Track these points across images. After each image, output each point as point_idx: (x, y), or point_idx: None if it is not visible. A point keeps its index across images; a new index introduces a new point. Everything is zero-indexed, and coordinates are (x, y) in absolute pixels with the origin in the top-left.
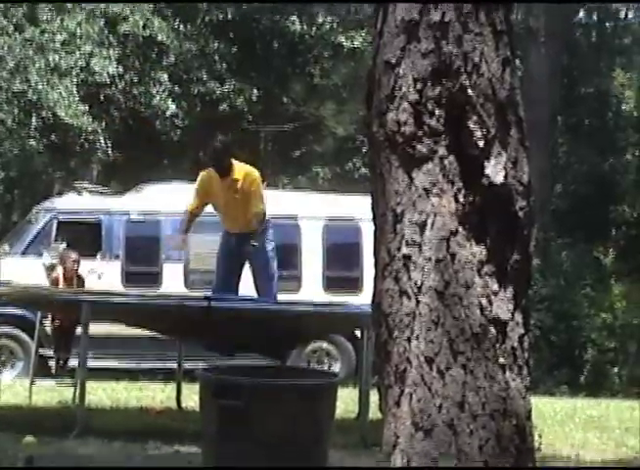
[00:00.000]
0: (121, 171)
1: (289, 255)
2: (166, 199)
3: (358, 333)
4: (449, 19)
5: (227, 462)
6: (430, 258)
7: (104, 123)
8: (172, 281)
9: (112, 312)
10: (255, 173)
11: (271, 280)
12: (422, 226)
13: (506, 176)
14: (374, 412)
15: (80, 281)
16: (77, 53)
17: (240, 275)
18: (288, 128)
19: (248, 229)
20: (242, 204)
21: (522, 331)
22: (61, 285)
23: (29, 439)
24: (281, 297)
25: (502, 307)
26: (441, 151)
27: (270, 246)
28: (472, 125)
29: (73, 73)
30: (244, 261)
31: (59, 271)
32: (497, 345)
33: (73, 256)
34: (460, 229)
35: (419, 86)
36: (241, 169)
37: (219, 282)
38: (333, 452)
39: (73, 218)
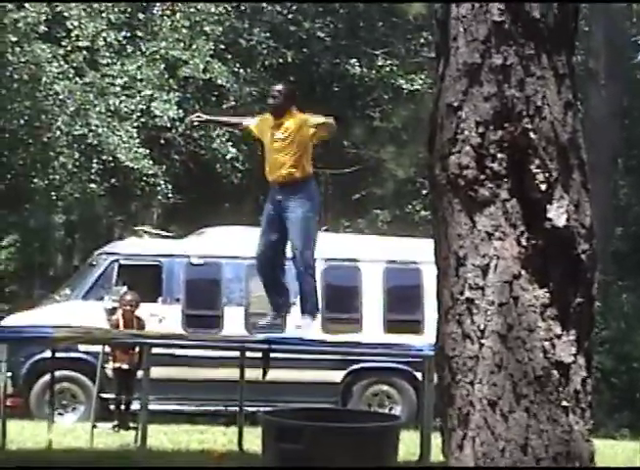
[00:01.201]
0: (182, 215)
1: (350, 297)
2: (227, 242)
3: (419, 375)
4: (511, 62)
5: None
6: (493, 302)
7: (164, 167)
8: (233, 324)
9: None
10: (307, 115)
11: (306, 240)
12: (484, 270)
13: (568, 219)
14: (436, 456)
15: (140, 323)
16: (138, 97)
17: (285, 239)
18: (348, 171)
19: (290, 179)
20: (288, 150)
21: (584, 374)
22: (121, 328)
23: None
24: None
25: (565, 351)
26: (504, 194)
27: (310, 202)
28: (534, 169)
29: (134, 117)
30: (285, 221)
31: (118, 314)
32: (560, 388)
33: (132, 297)
34: (523, 272)
35: (481, 130)
36: (297, 118)
37: (260, 251)
38: None
39: (134, 262)
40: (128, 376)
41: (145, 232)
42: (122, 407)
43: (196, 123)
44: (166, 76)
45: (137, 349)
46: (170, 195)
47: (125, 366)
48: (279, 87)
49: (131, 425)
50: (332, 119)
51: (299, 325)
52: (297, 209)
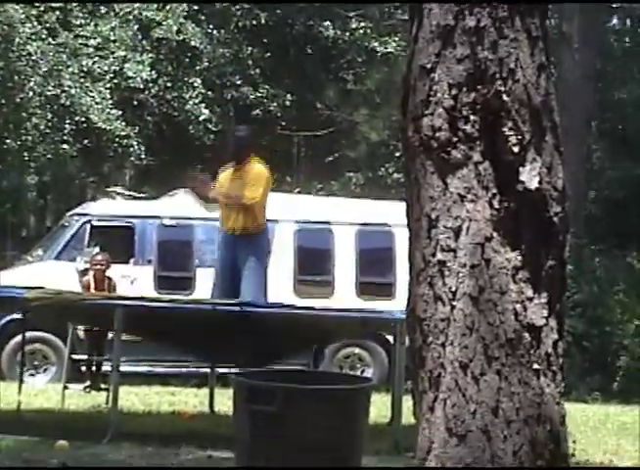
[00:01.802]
0: (154, 176)
1: (322, 260)
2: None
3: (391, 338)
4: (485, 24)
5: (260, 467)
6: (464, 264)
7: (137, 128)
8: (205, 286)
9: (144, 319)
10: (264, 171)
11: (257, 286)
12: (457, 232)
13: (541, 182)
14: (407, 418)
15: (111, 284)
16: (111, 58)
17: (239, 281)
18: (321, 134)
19: (243, 229)
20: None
21: (556, 337)
22: (92, 289)
23: (62, 443)
24: (314, 302)
25: (537, 313)
26: (476, 157)
27: (262, 255)
28: (507, 131)
29: (107, 78)
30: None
31: (89, 275)
32: (531, 350)
33: (102, 258)
34: (495, 235)
35: (454, 92)
36: (254, 166)
37: (218, 293)
38: (366, 458)
39: (107, 223)
40: (99, 337)
41: (117, 193)
42: (94, 369)
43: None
44: (140, 37)
45: None
46: (143, 156)
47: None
48: (241, 133)
49: (103, 386)
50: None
51: None
52: (252, 262)
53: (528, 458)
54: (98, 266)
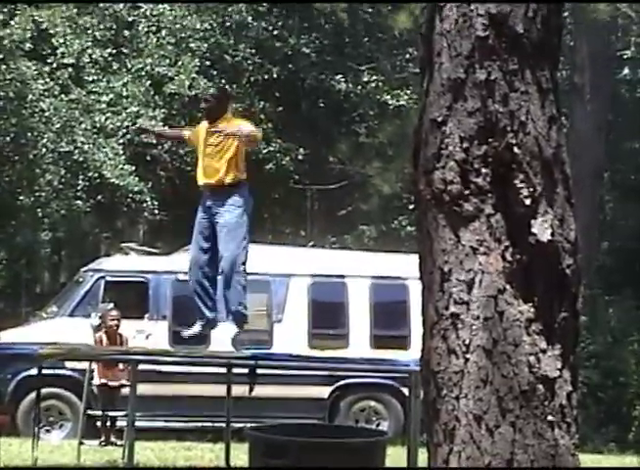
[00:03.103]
0: (168, 231)
1: (336, 313)
2: None
3: (406, 391)
4: (495, 77)
5: None
6: (478, 317)
7: (150, 183)
8: (220, 340)
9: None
10: (246, 123)
11: (236, 244)
12: (469, 285)
13: (553, 234)
14: None
15: (122, 340)
16: (124, 113)
17: (216, 246)
18: (334, 187)
19: (220, 185)
20: (219, 155)
21: (570, 388)
22: (104, 345)
23: None
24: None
25: (550, 365)
26: (488, 209)
27: (240, 209)
28: (518, 183)
29: (120, 134)
30: (216, 227)
31: (101, 332)
32: (546, 402)
33: (114, 313)
34: (507, 287)
35: (465, 145)
36: (232, 120)
37: (193, 258)
38: None
39: (121, 279)
40: (113, 392)
41: (131, 249)
42: (108, 424)
43: (144, 135)
44: (152, 93)
45: (121, 365)
46: (156, 211)
47: (111, 383)
48: (212, 91)
49: (118, 442)
50: (257, 131)
51: (222, 331)
52: (227, 214)
53: None
54: (110, 323)
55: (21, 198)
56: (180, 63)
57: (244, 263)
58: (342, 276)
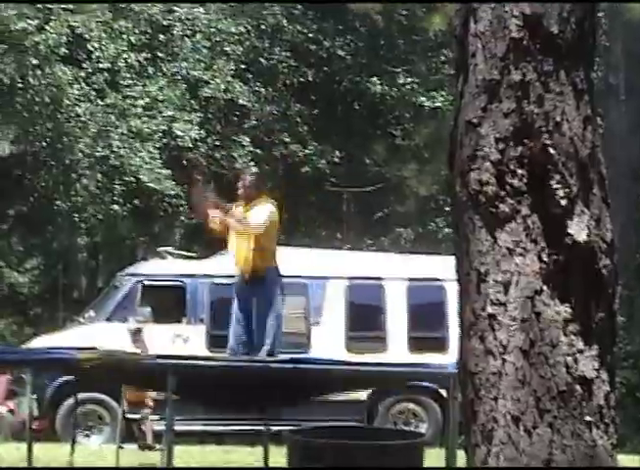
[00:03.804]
0: (205, 235)
1: (373, 316)
2: None
3: (445, 393)
4: (530, 78)
5: None
6: (515, 318)
7: (186, 187)
8: None
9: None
10: (269, 204)
11: (267, 329)
12: (506, 286)
13: (589, 234)
14: None
15: None
16: (159, 117)
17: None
18: (370, 190)
19: (253, 269)
20: (250, 240)
21: (607, 389)
22: None
23: None
24: (366, 357)
25: (588, 365)
26: (524, 210)
27: (276, 299)
28: (554, 184)
29: (156, 138)
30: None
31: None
32: (583, 403)
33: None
34: (544, 288)
35: (501, 146)
36: (261, 204)
37: (232, 339)
38: None
39: (158, 283)
40: (140, 396)
41: (168, 253)
42: (143, 427)
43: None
44: (188, 97)
45: None
46: (193, 215)
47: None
48: (250, 177)
49: (157, 446)
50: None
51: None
52: (263, 299)
53: None
54: None
55: (57, 203)
56: (215, 66)
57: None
58: (380, 279)
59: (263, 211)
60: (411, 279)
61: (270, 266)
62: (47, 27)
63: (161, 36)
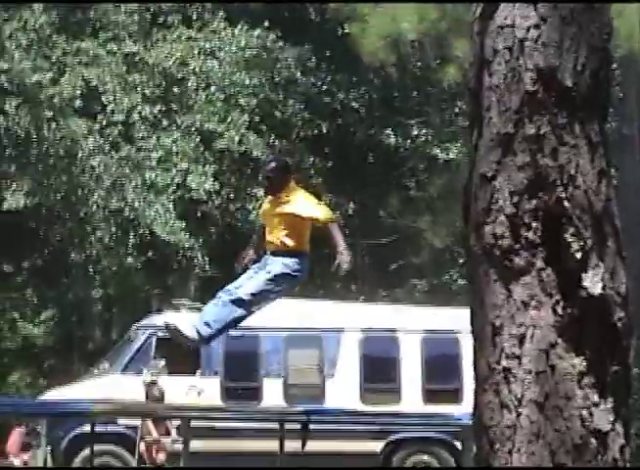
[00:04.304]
0: (219, 288)
1: (388, 368)
2: (265, 314)
3: (459, 445)
4: (544, 131)
5: None
6: (530, 371)
7: (201, 240)
8: (273, 395)
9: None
10: (302, 192)
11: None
12: (521, 339)
13: (604, 287)
14: None
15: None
16: (174, 170)
17: None
18: (385, 241)
19: (281, 247)
20: (278, 221)
21: (622, 441)
22: None
23: None
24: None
25: (602, 418)
26: (539, 263)
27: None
28: (569, 237)
29: (170, 190)
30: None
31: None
32: (598, 456)
33: None
34: (559, 341)
35: (515, 199)
36: (294, 191)
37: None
38: None
39: None
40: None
41: (182, 305)
42: None
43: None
44: (202, 149)
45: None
46: (207, 267)
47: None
48: (270, 165)
49: None
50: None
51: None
52: (271, 267)
53: None
54: None
55: (72, 255)
56: (229, 119)
57: (250, 302)
58: (394, 330)
59: (309, 199)
60: (426, 331)
61: (299, 249)
62: (61, 80)
63: (175, 89)
